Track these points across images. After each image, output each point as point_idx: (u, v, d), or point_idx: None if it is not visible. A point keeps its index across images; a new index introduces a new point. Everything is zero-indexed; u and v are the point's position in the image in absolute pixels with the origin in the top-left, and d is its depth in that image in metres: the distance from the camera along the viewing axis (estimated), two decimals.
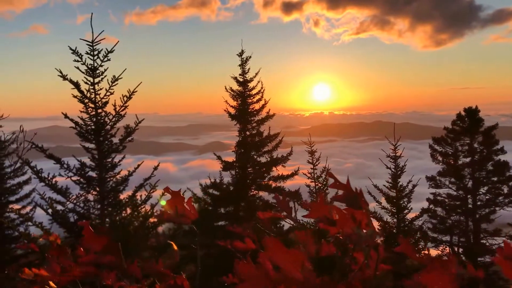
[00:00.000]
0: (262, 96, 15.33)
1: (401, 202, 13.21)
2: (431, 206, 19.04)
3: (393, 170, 13.28)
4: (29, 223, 8.99)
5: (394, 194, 13.24)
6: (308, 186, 14.57)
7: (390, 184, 13.32)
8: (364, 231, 1.37)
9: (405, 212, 13.27)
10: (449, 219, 19.21)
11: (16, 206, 15.84)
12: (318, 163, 14.72)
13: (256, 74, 15.31)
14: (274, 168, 14.92)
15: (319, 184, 14.41)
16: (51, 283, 1.82)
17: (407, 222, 13.39)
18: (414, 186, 13.19)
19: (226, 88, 15.31)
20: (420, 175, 14.47)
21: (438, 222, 19.22)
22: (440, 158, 20.07)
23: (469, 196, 19.19)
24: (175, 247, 1.76)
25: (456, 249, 18.76)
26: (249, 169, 14.99)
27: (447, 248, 18.74)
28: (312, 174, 14.64)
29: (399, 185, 13.19)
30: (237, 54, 15.22)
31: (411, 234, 13.15)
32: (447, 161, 19.81)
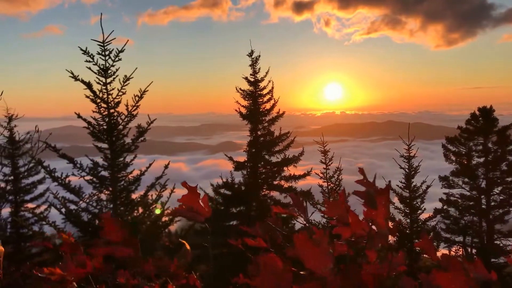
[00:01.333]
0: (272, 96, 15.33)
1: (415, 202, 13.08)
2: (444, 207, 18.86)
3: (406, 170, 13.16)
4: (43, 222, 9.09)
5: (407, 195, 13.12)
6: (321, 186, 14.51)
7: (403, 184, 13.21)
8: (379, 230, 1.35)
9: (418, 212, 13.14)
10: (463, 220, 18.98)
11: (31, 205, 16.06)
12: (331, 163, 14.65)
13: (267, 73, 15.32)
14: (285, 168, 14.90)
15: (331, 184, 14.33)
16: (70, 280, 1.84)
17: (420, 223, 13.26)
18: (428, 186, 13.06)
19: (236, 89, 15.34)
20: (432, 175, 14.34)
21: (451, 222, 19.00)
22: (453, 158, 19.83)
23: (482, 196, 18.94)
24: (188, 247, 1.76)
25: (469, 250, 18.54)
26: (260, 169, 14.99)
27: (461, 249, 18.53)
28: (325, 174, 14.57)
29: (412, 185, 13.07)
30: (247, 54, 15.24)
31: (424, 234, 13.01)
32: (461, 161, 19.57)
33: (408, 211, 13.07)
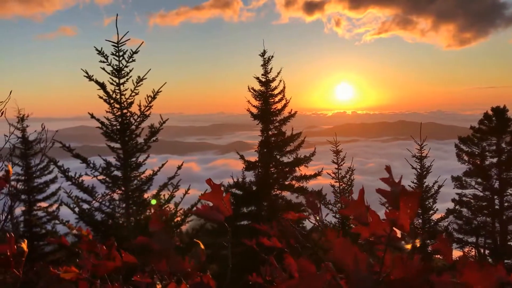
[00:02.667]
0: (284, 96, 15.31)
1: (427, 202, 12.98)
2: (456, 207, 18.70)
3: (418, 170, 13.05)
4: (57, 221, 9.20)
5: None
6: (333, 186, 14.45)
7: (415, 184, 13.11)
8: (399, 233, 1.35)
9: (430, 212, 13.03)
10: (475, 220, 18.79)
11: (43, 204, 16.24)
12: (343, 163, 14.57)
13: (278, 73, 15.30)
14: (297, 168, 14.87)
15: (343, 184, 14.26)
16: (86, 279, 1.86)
17: (432, 223, 13.14)
18: (440, 186, 12.94)
19: (248, 88, 15.34)
20: (444, 176, 14.21)
21: (464, 223, 18.83)
22: (466, 158, 19.64)
23: (495, 197, 18.73)
24: (202, 246, 1.77)
25: (482, 250, 18.35)
26: (272, 169, 14.98)
27: (473, 250, 18.35)
28: (337, 174, 14.50)
29: (424, 185, 12.97)
30: (259, 54, 15.23)
31: (436, 235, 12.91)
32: (474, 161, 19.37)
33: (420, 211, 12.97)
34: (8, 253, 1.60)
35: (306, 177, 14.82)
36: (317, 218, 1.94)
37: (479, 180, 19.09)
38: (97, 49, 8.03)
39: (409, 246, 1.21)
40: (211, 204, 1.58)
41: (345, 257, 1.16)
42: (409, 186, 13.30)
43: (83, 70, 7.99)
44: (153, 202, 8.59)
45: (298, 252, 2.16)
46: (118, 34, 8.08)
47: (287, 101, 15.26)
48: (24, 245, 1.67)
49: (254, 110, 15.36)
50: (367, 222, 1.21)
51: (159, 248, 1.51)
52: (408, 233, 1.20)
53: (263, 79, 15.24)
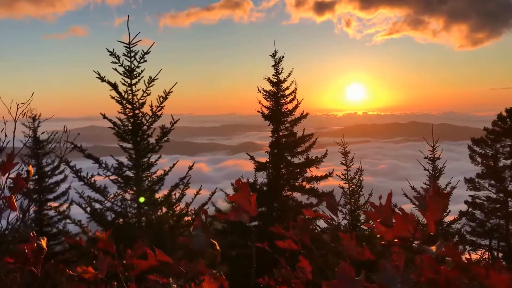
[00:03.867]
0: (295, 97, 15.26)
1: None
2: (469, 209, 18.49)
3: (431, 171, 12.92)
4: (68, 221, 9.26)
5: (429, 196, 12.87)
6: (342, 187, 14.37)
7: (428, 186, 12.99)
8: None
9: (443, 214, 12.89)
10: (489, 223, 18.57)
11: (54, 204, 16.41)
12: (352, 164, 14.48)
13: (289, 74, 15.26)
14: (307, 169, 14.82)
15: (352, 186, 14.17)
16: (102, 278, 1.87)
17: (444, 225, 13.00)
18: (453, 188, 12.79)
19: (258, 89, 15.33)
20: (457, 177, 14.07)
21: (477, 225, 18.62)
22: (479, 160, 19.42)
23: (509, 199, 18.50)
24: (218, 247, 1.77)
25: (495, 253, 18.12)
26: (282, 170, 14.94)
27: (486, 253, 18.13)
28: (346, 175, 14.42)
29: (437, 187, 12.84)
30: (270, 55, 15.21)
31: (449, 237, 12.78)
32: (487, 163, 19.15)
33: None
34: (27, 251, 1.61)
35: (317, 178, 14.76)
36: (335, 218, 1.93)
37: (492, 182, 18.87)
38: (109, 50, 8.08)
39: (434, 248, 1.19)
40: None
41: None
42: (421, 188, 13.18)
43: (95, 72, 8.05)
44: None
45: (313, 253, 2.15)
46: (129, 35, 8.12)
47: (299, 102, 15.23)
48: (44, 243, 1.68)
49: (265, 111, 15.33)
50: (391, 224, 1.20)
51: (197, 249, 1.51)
52: (434, 234, 1.18)
53: (274, 80, 15.22)
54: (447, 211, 12.84)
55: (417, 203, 1.38)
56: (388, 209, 1.21)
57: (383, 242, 1.27)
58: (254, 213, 1.57)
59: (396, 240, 1.36)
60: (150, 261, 1.74)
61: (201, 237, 1.59)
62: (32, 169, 2.25)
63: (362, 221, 13.68)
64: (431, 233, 1.30)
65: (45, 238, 1.73)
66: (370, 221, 1.35)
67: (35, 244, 1.65)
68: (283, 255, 2.38)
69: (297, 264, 2.09)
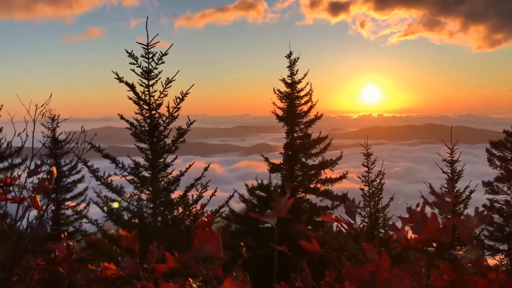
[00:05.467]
0: (310, 98, 15.20)
1: (457, 208, 12.65)
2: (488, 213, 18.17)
3: (449, 174, 12.72)
4: (86, 220, 9.36)
5: (449, 200, 12.68)
6: (362, 189, 14.23)
7: (446, 189, 12.80)
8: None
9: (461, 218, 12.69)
10: (507, 227, 18.24)
11: (71, 204, 16.63)
12: (374, 166, 14.32)
13: (305, 75, 15.21)
14: (322, 171, 14.74)
15: (373, 188, 14.02)
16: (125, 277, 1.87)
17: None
18: (471, 191, 12.59)
19: (274, 90, 15.29)
20: (474, 180, 13.85)
21: (495, 229, 18.30)
22: (498, 163, 19.09)
23: None
24: (244, 249, 1.77)
25: None
26: (296, 172, 14.88)
27: (505, 258, 17.80)
28: (367, 177, 14.26)
29: (455, 190, 12.64)
30: (286, 56, 15.16)
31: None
32: (506, 166, 18.81)
33: (450, 217, 12.62)
34: (57, 252, 1.62)
35: (331, 180, 14.66)
36: (353, 224, 1.91)
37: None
38: (127, 51, 8.16)
39: (468, 253, 1.17)
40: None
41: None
42: (440, 191, 13.01)
43: (113, 72, 8.15)
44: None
45: (332, 258, 2.12)
46: (148, 36, 8.20)
47: (313, 103, 15.16)
48: (74, 244, 1.69)
49: (280, 112, 15.29)
50: (420, 231, 1.18)
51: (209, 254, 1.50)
52: (467, 241, 1.16)
53: (289, 81, 15.18)
54: (466, 215, 12.63)
55: (437, 208, 1.37)
56: (421, 216, 1.19)
57: (403, 245, 1.25)
58: (283, 214, 1.56)
59: (419, 244, 1.34)
60: (169, 264, 1.73)
61: (210, 245, 1.58)
62: (55, 171, 2.27)
63: (381, 224, 13.54)
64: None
65: (75, 243, 1.74)
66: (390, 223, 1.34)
67: (65, 244, 1.66)
68: (302, 258, 2.35)
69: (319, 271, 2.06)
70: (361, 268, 1.13)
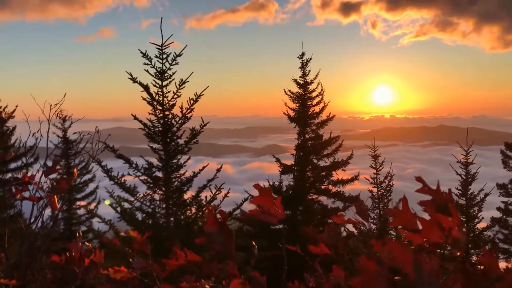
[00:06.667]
0: (322, 99, 15.16)
1: (471, 210, 12.48)
2: (503, 216, 17.92)
3: (463, 176, 12.56)
4: (98, 220, 9.43)
5: (463, 202, 12.54)
6: (371, 191, 14.15)
7: (460, 192, 12.64)
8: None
9: (475, 221, 12.52)
10: None
11: (82, 203, 16.78)
12: (382, 168, 14.23)
13: (316, 75, 15.17)
14: (333, 172, 14.67)
15: (382, 190, 13.93)
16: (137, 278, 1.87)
17: (477, 232, 12.63)
18: (486, 194, 12.41)
19: (285, 91, 15.27)
20: (488, 183, 13.67)
21: (510, 232, 18.03)
22: None
23: None
24: (256, 249, 1.76)
25: None
26: (308, 173, 14.83)
27: None
28: (375, 179, 14.18)
29: (469, 192, 12.48)
30: (298, 57, 15.12)
31: (481, 244, 12.42)
32: None
33: (464, 220, 12.47)
34: (74, 251, 1.63)
35: (343, 182, 14.60)
36: (366, 225, 1.88)
37: None
38: (141, 52, 8.20)
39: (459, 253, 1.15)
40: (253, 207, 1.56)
41: (403, 261, 1.12)
42: (453, 193, 12.83)
43: (127, 73, 8.19)
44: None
45: (344, 259, 2.10)
46: (162, 37, 8.24)
47: (325, 104, 15.11)
48: (89, 245, 1.70)
49: (291, 113, 15.27)
50: (417, 229, 1.16)
51: (220, 250, 1.49)
52: (463, 240, 1.15)
53: (301, 81, 15.14)
54: (480, 218, 12.46)
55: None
56: (407, 214, 1.17)
57: (413, 247, 1.23)
58: (281, 216, 1.54)
59: (427, 245, 1.32)
60: (180, 261, 1.73)
61: (219, 237, 1.55)
62: (76, 172, 2.29)
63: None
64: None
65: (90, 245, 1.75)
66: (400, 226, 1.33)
67: (80, 244, 1.67)
68: (314, 259, 2.33)
69: (331, 272, 2.04)
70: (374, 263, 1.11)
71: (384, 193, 13.82)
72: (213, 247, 1.48)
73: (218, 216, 1.53)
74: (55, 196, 2.05)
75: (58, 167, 2.26)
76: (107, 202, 8.84)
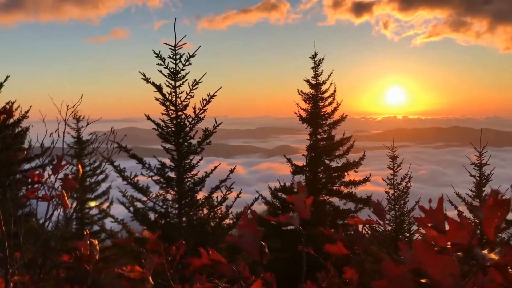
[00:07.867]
0: (334, 99, 15.08)
1: None
2: None
3: (477, 178, 12.39)
4: (111, 219, 9.49)
5: (477, 204, 12.36)
6: (387, 192, 14.00)
7: (473, 193, 12.46)
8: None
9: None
10: None
11: (94, 203, 16.88)
12: (400, 169, 14.08)
13: (329, 76, 15.09)
14: (345, 173, 14.59)
15: (398, 191, 13.79)
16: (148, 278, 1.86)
17: None
18: (502, 196, 12.21)
19: (298, 91, 15.21)
20: (503, 184, 13.48)
21: None
22: None
23: None
24: (267, 249, 1.73)
25: None
26: (319, 174, 14.76)
27: None
28: (392, 180, 14.02)
29: (483, 194, 12.29)
30: (310, 57, 15.06)
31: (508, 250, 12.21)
32: None
33: (478, 221, 12.29)
34: (83, 250, 1.63)
35: (355, 183, 14.51)
36: (382, 224, 1.85)
37: None
38: (155, 52, 8.24)
39: (494, 256, 1.10)
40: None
41: (428, 262, 1.08)
42: (467, 194, 12.68)
43: (140, 73, 8.24)
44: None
45: (361, 259, 2.06)
46: (175, 37, 8.28)
47: (338, 104, 15.03)
48: (96, 243, 1.69)
49: (303, 114, 15.20)
50: (444, 230, 1.13)
51: (248, 250, 1.48)
52: (492, 243, 1.10)
53: (314, 82, 15.08)
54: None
55: (473, 211, 1.31)
56: (440, 214, 1.14)
57: (436, 249, 1.20)
58: (307, 216, 1.52)
59: (449, 246, 1.29)
60: (203, 260, 1.72)
61: (250, 237, 1.55)
62: (81, 169, 2.29)
63: (406, 228, 13.31)
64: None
65: (96, 241, 1.75)
66: (419, 228, 1.29)
67: (89, 242, 1.67)
68: (327, 259, 2.31)
69: (344, 273, 2.01)
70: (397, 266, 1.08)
71: (401, 195, 13.67)
72: (245, 247, 1.48)
73: (250, 216, 1.52)
74: (65, 194, 2.05)
75: (63, 162, 2.26)
76: (92, 203, 8.87)
